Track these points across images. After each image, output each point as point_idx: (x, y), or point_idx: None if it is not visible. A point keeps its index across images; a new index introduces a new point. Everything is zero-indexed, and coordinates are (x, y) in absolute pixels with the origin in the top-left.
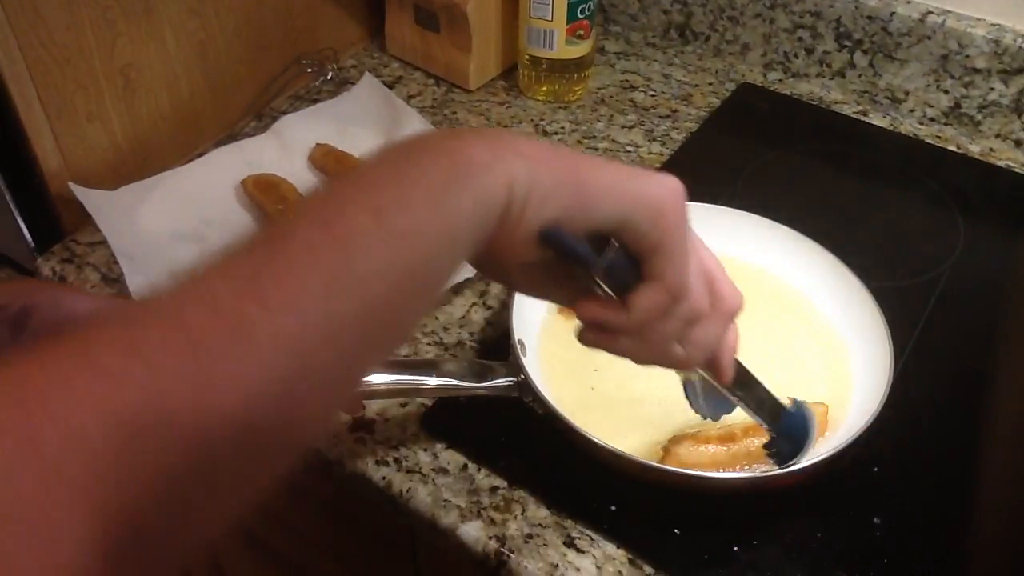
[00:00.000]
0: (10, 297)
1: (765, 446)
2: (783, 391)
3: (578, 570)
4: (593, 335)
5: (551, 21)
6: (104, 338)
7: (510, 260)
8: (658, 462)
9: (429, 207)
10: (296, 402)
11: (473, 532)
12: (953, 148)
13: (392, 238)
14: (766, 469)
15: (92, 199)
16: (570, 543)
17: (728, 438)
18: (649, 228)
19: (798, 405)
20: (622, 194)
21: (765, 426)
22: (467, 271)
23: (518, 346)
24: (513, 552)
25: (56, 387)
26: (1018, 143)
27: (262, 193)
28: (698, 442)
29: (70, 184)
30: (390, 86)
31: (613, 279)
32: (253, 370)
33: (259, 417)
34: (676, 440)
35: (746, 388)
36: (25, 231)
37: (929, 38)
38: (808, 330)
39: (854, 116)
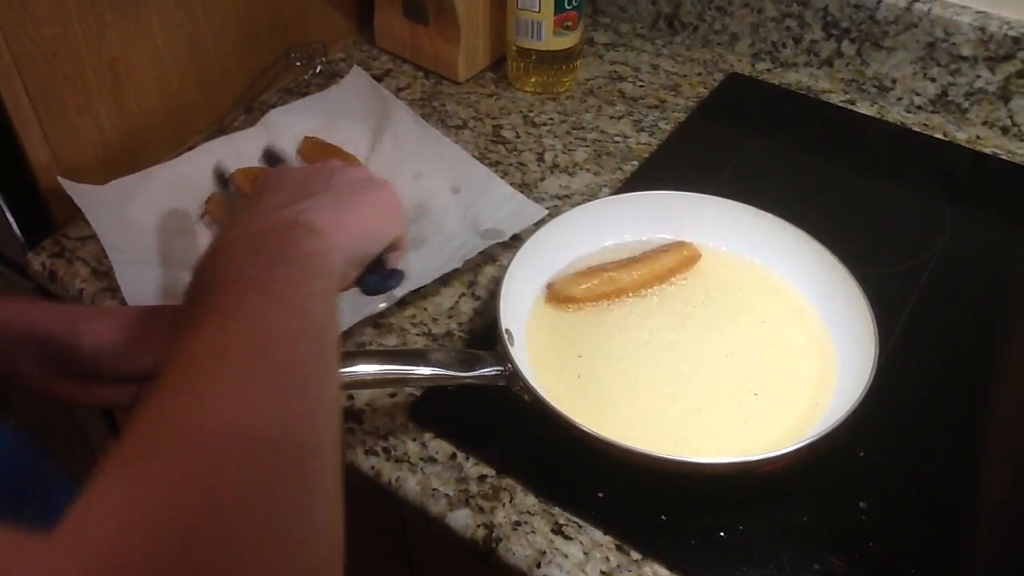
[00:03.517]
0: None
1: None
2: (769, 377)
3: (566, 556)
4: None
5: (539, 12)
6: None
7: None
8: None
9: (320, 294)
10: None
11: (462, 520)
12: (940, 136)
13: (311, 323)
14: (751, 457)
15: (81, 193)
16: (558, 530)
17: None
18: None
19: None
20: (390, 230)
21: None
22: (454, 262)
23: (506, 335)
24: (501, 539)
25: None
26: (1004, 130)
27: (251, 186)
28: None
29: (59, 178)
30: (379, 79)
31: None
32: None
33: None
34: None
35: None
36: (15, 226)
37: (916, 26)
38: (795, 316)
39: (842, 105)
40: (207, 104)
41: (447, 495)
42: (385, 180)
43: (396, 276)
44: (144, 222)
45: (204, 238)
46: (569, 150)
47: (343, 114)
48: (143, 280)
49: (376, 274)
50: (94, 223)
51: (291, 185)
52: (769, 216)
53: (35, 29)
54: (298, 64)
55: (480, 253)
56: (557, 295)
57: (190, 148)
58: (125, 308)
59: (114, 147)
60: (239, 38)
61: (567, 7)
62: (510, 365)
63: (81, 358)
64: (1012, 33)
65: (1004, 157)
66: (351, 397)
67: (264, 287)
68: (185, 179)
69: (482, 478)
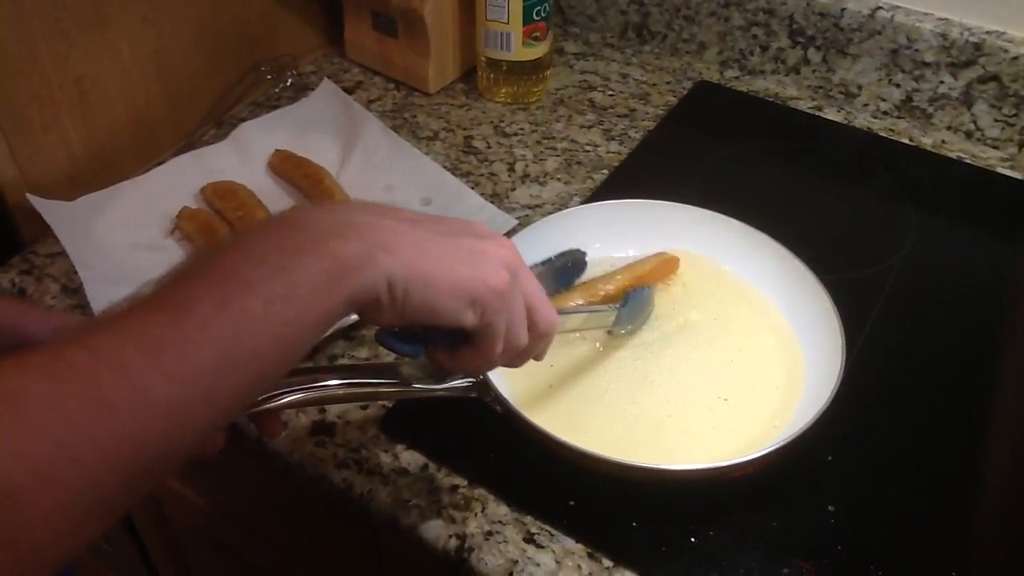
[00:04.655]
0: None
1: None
2: (738, 382)
3: (538, 565)
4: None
5: (507, 23)
6: (30, 392)
7: None
8: None
9: (310, 302)
10: (174, 446)
11: (434, 531)
12: (906, 141)
13: (276, 326)
14: (721, 463)
15: (50, 210)
16: (530, 539)
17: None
18: (475, 321)
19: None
20: (456, 297)
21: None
22: None
23: None
24: (474, 549)
25: None
26: (968, 135)
27: (221, 200)
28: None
29: (27, 195)
30: (350, 91)
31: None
32: (147, 429)
33: (142, 463)
34: None
35: None
36: None
37: (879, 33)
38: (762, 322)
39: (809, 111)
40: (176, 119)
41: (419, 506)
42: (522, 273)
43: (412, 345)
44: (114, 238)
45: (174, 254)
46: (540, 160)
47: (313, 127)
48: (113, 297)
49: (397, 332)
50: (63, 240)
51: (434, 217)
52: (737, 223)
53: None
54: (268, 78)
55: None
56: None
57: (160, 163)
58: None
59: (82, 163)
60: (208, 53)
61: (536, 18)
62: (481, 376)
63: None
64: (973, 39)
65: (968, 161)
66: (323, 410)
67: (229, 288)
68: (155, 194)
69: (454, 488)
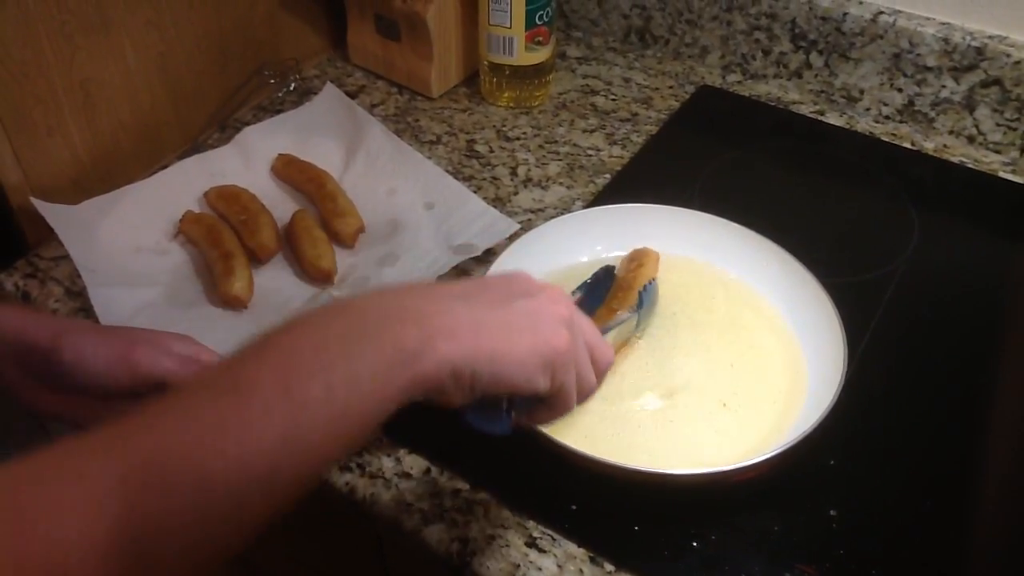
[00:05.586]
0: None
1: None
2: (740, 387)
3: (540, 569)
4: None
5: (510, 28)
6: (92, 469)
7: None
8: None
9: (372, 390)
10: (231, 530)
11: (436, 534)
12: (908, 145)
13: (337, 413)
14: (723, 468)
15: (54, 213)
16: (532, 543)
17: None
18: (547, 385)
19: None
20: (525, 368)
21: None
22: (428, 278)
23: None
24: (476, 553)
25: (47, 510)
26: (970, 139)
27: (225, 204)
28: None
29: (31, 198)
30: (353, 95)
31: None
32: (205, 515)
33: (199, 540)
34: None
35: None
36: None
37: (881, 37)
38: (765, 326)
39: (811, 116)
40: (180, 123)
41: (421, 510)
42: (577, 320)
43: (498, 422)
44: (117, 242)
45: (178, 257)
46: (542, 164)
47: (317, 131)
48: (116, 300)
49: (478, 409)
50: (67, 243)
51: (480, 285)
52: (739, 227)
53: (4, 51)
54: (272, 82)
55: (454, 268)
56: None
57: (164, 167)
58: (110, 327)
59: (87, 167)
60: (211, 57)
61: (538, 22)
62: None
63: (61, 371)
64: (975, 44)
65: (971, 166)
66: None
67: (292, 374)
68: (159, 198)
69: (456, 492)
